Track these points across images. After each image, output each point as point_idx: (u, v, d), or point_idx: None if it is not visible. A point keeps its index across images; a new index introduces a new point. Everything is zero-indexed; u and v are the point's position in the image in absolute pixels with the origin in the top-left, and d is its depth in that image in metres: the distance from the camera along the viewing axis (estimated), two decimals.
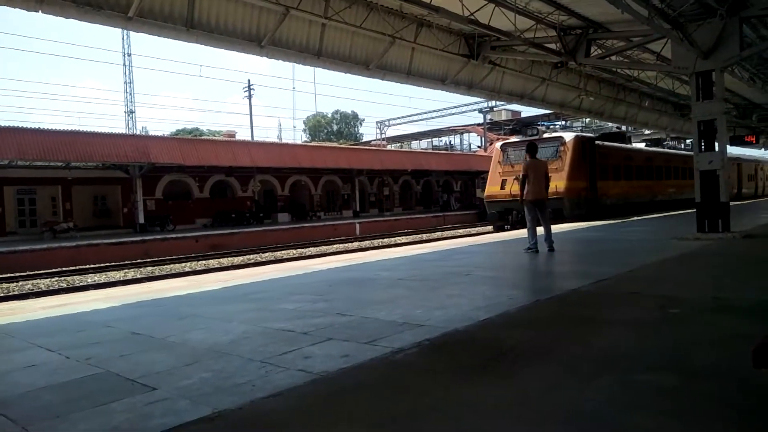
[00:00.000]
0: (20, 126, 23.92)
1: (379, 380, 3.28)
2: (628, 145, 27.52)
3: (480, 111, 44.51)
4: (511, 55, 17.47)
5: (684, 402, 2.76)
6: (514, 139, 24.61)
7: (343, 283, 7.53)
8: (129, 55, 51.74)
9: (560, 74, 20.82)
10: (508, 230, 20.24)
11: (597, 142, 23.08)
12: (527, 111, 40.02)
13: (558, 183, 18.84)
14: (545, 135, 22.87)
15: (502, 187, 21.79)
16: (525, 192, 10.16)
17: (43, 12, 9.86)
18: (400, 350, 3.85)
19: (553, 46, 15.58)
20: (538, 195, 10.10)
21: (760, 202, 34.70)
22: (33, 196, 28.16)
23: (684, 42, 12.08)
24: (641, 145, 39.07)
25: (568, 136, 21.68)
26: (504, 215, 21.62)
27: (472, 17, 13.27)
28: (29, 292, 13.83)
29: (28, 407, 3.12)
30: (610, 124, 40.25)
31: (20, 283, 15.97)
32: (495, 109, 42.69)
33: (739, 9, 12.11)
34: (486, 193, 23.16)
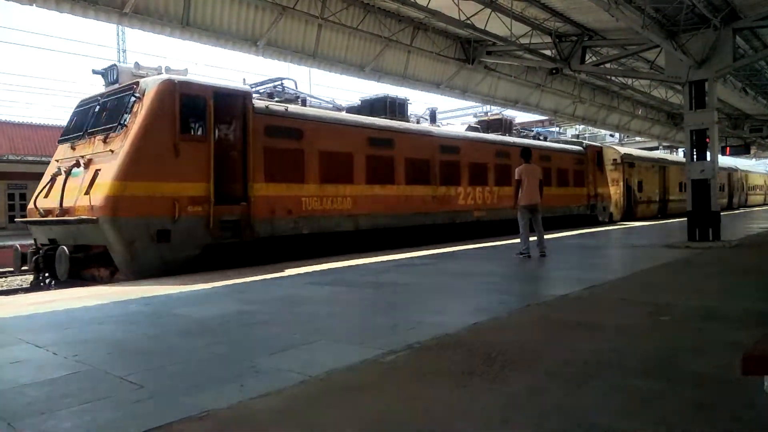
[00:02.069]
0: None
1: (369, 382, 3.28)
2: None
3: (474, 116, 44.60)
4: (506, 61, 17.55)
5: (672, 408, 2.78)
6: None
7: (329, 284, 7.52)
8: (124, 51, 51.45)
9: (555, 81, 20.96)
10: None
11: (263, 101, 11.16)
12: (521, 116, 40.13)
13: (101, 189, 8.64)
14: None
15: None
16: (518, 197, 10.20)
17: (37, 6, 9.81)
18: (391, 353, 3.84)
19: (548, 52, 15.69)
20: (532, 200, 10.14)
21: (740, 214, 31.67)
22: None
23: (678, 51, 12.19)
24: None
25: (155, 80, 9.47)
26: None
27: (468, 21, 13.33)
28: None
29: (13, 403, 3.09)
30: (604, 132, 40.50)
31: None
32: (489, 114, 42.80)
33: (732, 20, 12.24)
34: None
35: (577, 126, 41.96)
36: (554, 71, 16.21)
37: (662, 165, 30.09)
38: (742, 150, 33.19)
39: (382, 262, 10.02)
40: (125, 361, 3.87)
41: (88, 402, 3.04)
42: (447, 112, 41.24)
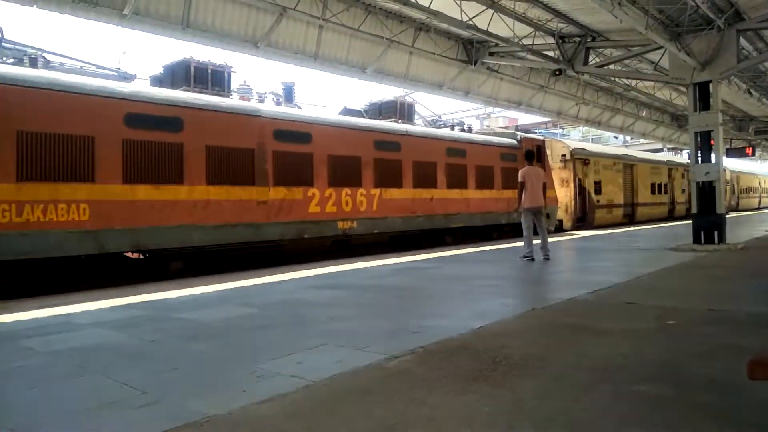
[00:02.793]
0: None
1: (373, 387, 3.24)
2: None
3: (477, 117, 44.57)
4: (509, 62, 17.50)
5: (679, 413, 2.73)
6: None
7: (331, 288, 7.48)
8: (123, 53, 51.71)
9: (558, 82, 20.91)
10: None
11: None
12: (524, 118, 40.06)
13: None
14: None
15: None
16: (522, 199, 10.16)
17: (38, 7, 9.81)
18: (394, 357, 3.80)
19: (551, 53, 15.64)
20: (536, 202, 10.10)
21: (742, 218, 28.61)
22: None
23: (681, 52, 12.13)
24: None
25: None
26: None
27: (470, 22, 13.30)
28: None
29: (16, 411, 3.05)
30: (608, 134, 40.43)
31: None
32: (492, 115, 42.73)
33: (736, 21, 12.19)
34: None
35: (581, 128, 41.90)
36: (557, 72, 16.17)
37: (628, 163, 25.69)
38: (738, 152, 31.81)
39: (383, 265, 9.97)
40: (127, 366, 3.83)
41: (90, 408, 3.00)
42: (449, 114, 41.24)
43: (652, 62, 16.62)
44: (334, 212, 12.19)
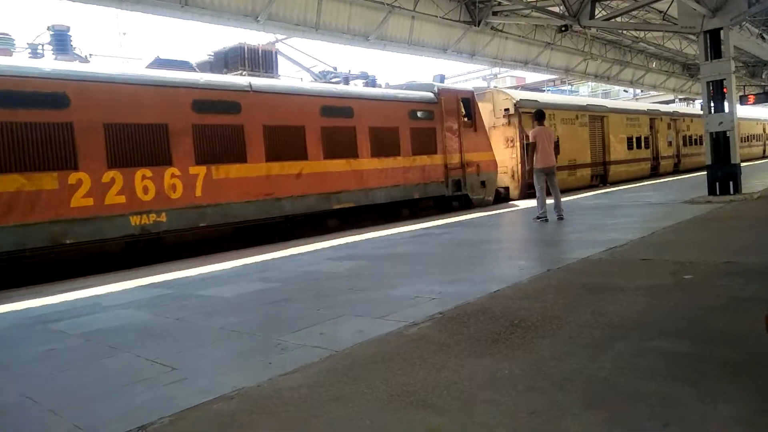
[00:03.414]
0: None
1: (394, 354, 3.32)
2: None
3: (483, 78, 43.94)
4: (513, 20, 17.16)
5: (697, 368, 2.78)
6: None
7: (347, 259, 7.56)
8: (124, 34, 51.37)
9: (564, 38, 20.50)
10: None
11: None
12: (532, 77, 39.40)
13: None
14: None
15: None
16: (534, 160, 10.12)
17: None
18: (413, 324, 3.88)
19: (556, 9, 15.29)
20: (547, 163, 10.06)
21: (759, 166, 27.22)
22: None
23: (691, 0, 11.80)
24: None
25: None
26: None
27: None
28: None
29: (53, 392, 3.18)
30: (617, 88, 39.68)
31: None
32: (499, 76, 42.09)
33: None
34: None
35: (590, 83, 41.18)
36: (563, 28, 15.80)
37: (596, 114, 21.13)
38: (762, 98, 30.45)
39: (397, 233, 10.04)
40: (155, 344, 3.95)
41: (123, 386, 3.12)
42: (455, 77, 40.66)
43: (660, 12, 16.23)
44: (121, 203, 8.71)
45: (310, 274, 6.49)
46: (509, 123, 17.09)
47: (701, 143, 27.31)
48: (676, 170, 26.76)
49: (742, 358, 2.87)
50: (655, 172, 25.04)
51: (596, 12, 15.05)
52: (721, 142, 12.01)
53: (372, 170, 12.49)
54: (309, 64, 14.67)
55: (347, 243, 9.08)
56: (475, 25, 16.74)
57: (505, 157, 17.06)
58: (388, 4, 14.57)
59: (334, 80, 13.95)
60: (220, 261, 8.02)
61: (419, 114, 13.76)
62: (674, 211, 10.05)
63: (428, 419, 2.43)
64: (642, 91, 37.36)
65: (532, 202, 11.90)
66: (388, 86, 14.87)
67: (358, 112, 12.30)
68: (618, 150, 22.39)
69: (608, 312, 3.85)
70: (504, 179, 17.10)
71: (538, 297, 4.45)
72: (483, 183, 15.32)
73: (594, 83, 38.01)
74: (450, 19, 16.32)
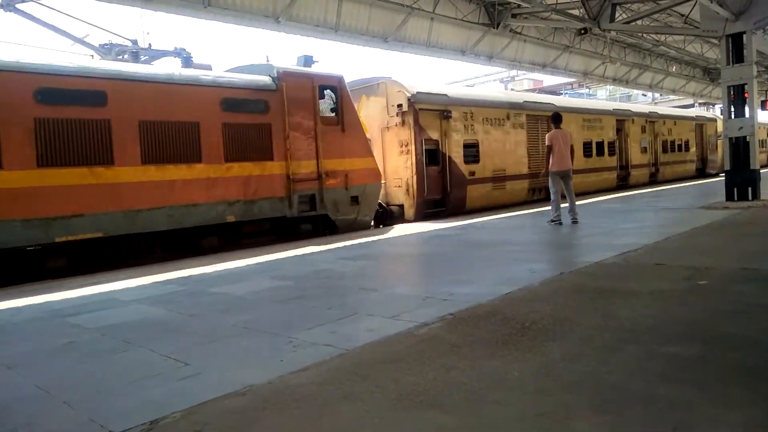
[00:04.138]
0: None
1: (404, 354, 3.34)
2: None
3: (501, 81, 43.81)
4: (532, 23, 17.11)
5: (708, 372, 2.76)
6: None
7: (360, 259, 7.59)
8: (147, 33, 52.02)
9: (583, 41, 20.38)
10: None
11: None
12: (549, 80, 39.14)
13: None
14: None
15: None
16: (550, 163, 10.08)
17: None
18: (424, 324, 3.90)
19: (576, 12, 15.20)
20: (563, 166, 10.01)
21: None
22: None
23: (713, 3, 11.66)
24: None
25: None
26: None
27: None
28: None
29: (68, 384, 3.25)
30: (636, 92, 39.28)
31: None
32: (516, 78, 41.90)
33: None
34: None
35: (608, 87, 40.82)
36: (583, 31, 15.71)
37: (538, 114, 16.87)
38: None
39: (410, 234, 10.05)
40: (169, 340, 4.01)
41: (137, 380, 3.18)
42: (473, 79, 40.55)
43: (682, 15, 16.06)
44: None
45: (322, 272, 6.53)
46: (403, 123, 13.08)
47: (687, 149, 25.21)
48: (654, 181, 22.69)
49: (754, 364, 2.84)
50: (624, 184, 21.01)
51: (616, 15, 14.94)
52: (740, 148, 11.84)
53: (143, 183, 8.69)
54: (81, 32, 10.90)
55: (360, 243, 9.12)
56: (493, 28, 16.71)
57: (399, 165, 13.23)
58: (407, 6, 14.61)
59: (122, 57, 10.51)
60: (235, 259, 8.09)
61: (241, 105, 9.91)
62: (690, 216, 9.93)
63: (437, 419, 2.45)
64: (661, 95, 36.96)
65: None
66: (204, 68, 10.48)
67: (116, 99, 8.42)
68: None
69: (620, 316, 3.83)
70: (398, 195, 13.35)
71: (550, 300, 4.43)
72: (355, 199, 11.31)
73: (612, 87, 37.67)
74: (469, 21, 16.31)
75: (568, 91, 37.49)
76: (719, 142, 27.49)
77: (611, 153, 20.13)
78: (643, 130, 22.13)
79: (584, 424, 2.30)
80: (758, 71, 20.26)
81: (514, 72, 35.43)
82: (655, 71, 26.45)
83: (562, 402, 2.52)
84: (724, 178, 12.35)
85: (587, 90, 42.82)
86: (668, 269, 5.39)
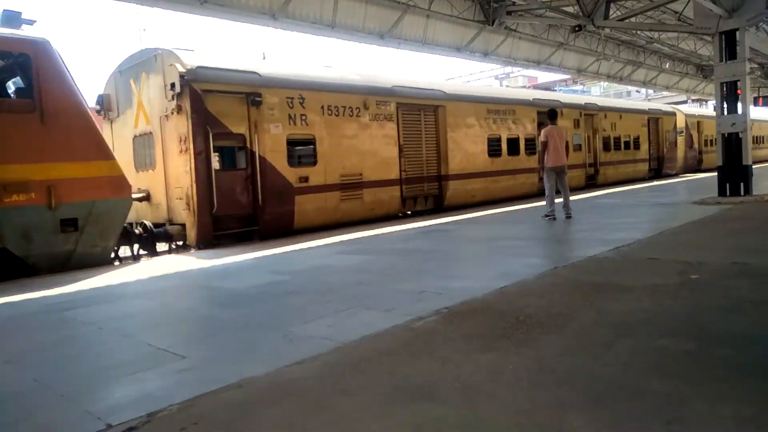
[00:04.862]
0: None
1: (400, 347, 3.36)
2: None
3: (496, 77, 43.86)
4: (527, 20, 17.11)
5: (701, 367, 2.79)
6: None
7: (357, 253, 7.61)
8: (144, 30, 51.80)
9: (578, 38, 20.42)
10: None
11: None
12: (544, 77, 39.22)
13: None
14: None
15: None
16: (545, 159, 10.14)
17: None
18: (420, 318, 3.92)
19: (570, 9, 15.23)
20: (559, 162, 10.07)
21: None
22: None
23: (707, 0, 11.71)
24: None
25: None
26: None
27: None
28: None
29: (68, 375, 3.26)
30: (630, 88, 39.41)
31: None
32: (511, 75, 41.98)
33: None
34: None
35: (602, 83, 40.94)
36: (577, 28, 15.74)
37: (420, 103, 13.67)
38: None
39: (406, 229, 10.08)
40: (166, 333, 4.02)
41: (134, 373, 3.19)
42: (468, 76, 40.59)
43: (676, 12, 16.12)
44: None
45: (320, 267, 6.55)
46: (179, 109, 9.57)
47: (637, 147, 22.11)
48: (592, 184, 19.60)
49: (746, 359, 2.88)
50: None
51: (611, 12, 14.98)
52: (733, 144, 11.92)
53: None
54: None
55: (357, 238, 9.13)
56: (489, 25, 16.71)
57: (180, 169, 9.74)
58: (403, 3, 14.60)
59: None
60: (233, 254, 8.09)
61: None
62: (683, 211, 10.00)
63: (432, 411, 2.47)
64: (654, 91, 37.10)
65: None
66: None
67: None
68: (465, 158, 14.65)
69: (614, 310, 3.86)
70: (180, 211, 9.84)
71: (545, 294, 4.47)
72: (70, 223, 7.80)
73: (606, 83, 37.77)
74: (464, 19, 16.31)
75: (562, 88, 37.59)
76: (680, 138, 25.61)
77: (529, 152, 16.62)
78: (577, 124, 18.68)
79: (578, 418, 2.32)
80: (751, 68, 20.38)
81: (509, 69, 35.48)
82: (648, 68, 26.53)
83: (557, 395, 2.55)
84: (685, 177, 12.41)
85: (581, 87, 42.93)
86: (661, 264, 5.43)
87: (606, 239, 7.11)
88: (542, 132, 10.37)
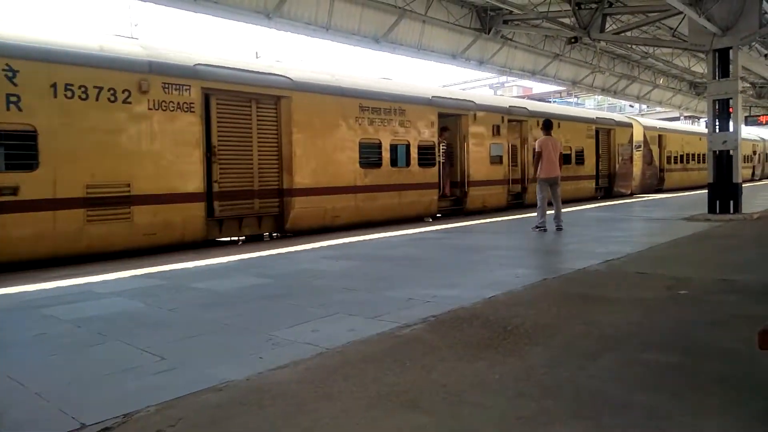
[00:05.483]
0: None
1: (385, 354, 3.31)
2: None
3: (490, 87, 44.06)
4: (523, 30, 17.19)
5: (686, 381, 2.78)
6: None
7: (344, 258, 7.56)
8: (135, 25, 51.51)
9: (573, 50, 20.51)
10: None
11: None
12: (539, 87, 39.44)
13: None
14: None
15: None
16: (538, 169, 10.15)
17: None
18: (406, 326, 3.88)
19: (567, 20, 15.31)
20: (552, 173, 10.08)
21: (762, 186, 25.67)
22: None
23: (702, 18, 11.81)
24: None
25: None
26: None
27: None
28: None
29: (43, 375, 3.18)
30: (623, 103, 39.70)
31: None
32: (506, 84, 42.21)
33: None
34: None
35: (596, 97, 41.24)
36: (573, 40, 15.80)
37: (246, 91, 10.10)
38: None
39: (395, 236, 10.04)
40: (146, 334, 3.95)
41: (111, 373, 3.12)
42: (462, 84, 40.74)
43: (671, 28, 16.25)
44: None
45: (305, 271, 6.49)
46: None
47: (581, 162, 18.75)
48: (519, 205, 16.16)
49: (732, 373, 2.86)
50: (457, 209, 14.61)
51: (607, 25, 15.07)
52: (723, 161, 12.01)
53: None
54: None
55: (345, 243, 9.08)
56: (485, 33, 16.76)
57: None
58: (399, 8, 14.60)
59: None
60: (218, 255, 8.01)
61: None
62: (673, 227, 10.04)
63: (416, 419, 2.43)
64: (648, 107, 37.40)
65: None
66: None
67: None
68: (322, 168, 11.19)
69: (601, 322, 3.84)
70: None
71: (533, 305, 4.44)
72: None
73: (600, 97, 38.03)
74: (461, 26, 16.35)
75: (556, 100, 37.79)
76: (638, 153, 22.50)
77: (424, 163, 13.29)
78: (496, 131, 15.43)
79: (563, 429, 2.29)
80: (743, 87, 20.57)
81: (504, 78, 35.65)
82: (642, 83, 26.74)
83: (542, 406, 2.52)
84: (640, 198, 12.44)
85: (576, 99, 43.20)
86: (650, 278, 5.43)
87: (596, 252, 7.11)
88: (536, 142, 10.38)
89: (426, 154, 13.38)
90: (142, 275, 6.49)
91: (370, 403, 2.61)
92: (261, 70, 10.57)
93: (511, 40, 18.48)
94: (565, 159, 16.22)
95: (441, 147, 13.94)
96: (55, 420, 2.53)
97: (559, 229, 9.88)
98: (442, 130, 14.11)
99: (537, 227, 9.90)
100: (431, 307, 4.40)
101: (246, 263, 7.27)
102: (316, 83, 11.30)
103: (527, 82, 34.47)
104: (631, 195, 21.32)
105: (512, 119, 16.12)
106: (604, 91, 26.35)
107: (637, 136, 22.73)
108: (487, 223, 12.02)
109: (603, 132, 20.57)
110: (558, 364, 3.06)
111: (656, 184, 24.62)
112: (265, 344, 3.58)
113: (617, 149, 20.99)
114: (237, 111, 10.01)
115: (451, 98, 14.65)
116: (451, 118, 14.52)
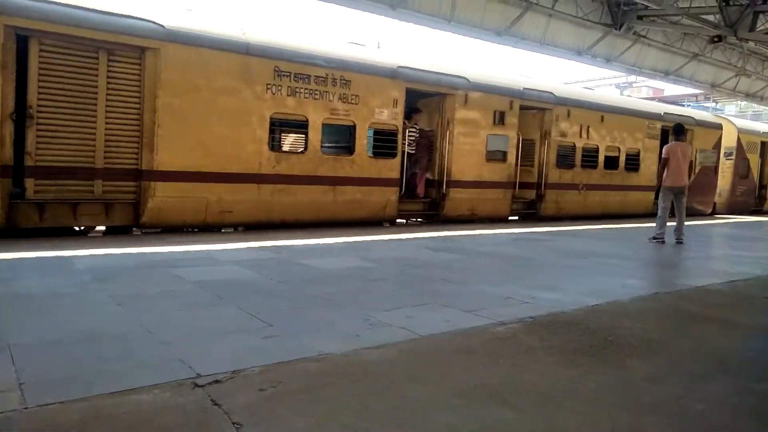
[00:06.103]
0: None
1: (477, 348, 3.33)
2: None
3: (617, 86, 41.56)
4: (659, 26, 16.03)
5: None
6: None
7: (446, 251, 7.58)
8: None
9: (715, 50, 18.80)
10: None
11: None
12: (671, 89, 36.53)
13: None
14: None
15: None
16: (663, 176, 9.49)
17: None
18: (502, 323, 3.85)
19: (711, 17, 14.08)
20: (678, 182, 9.39)
21: None
22: None
23: None
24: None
25: None
26: None
27: None
28: None
29: (170, 326, 3.56)
30: None
31: None
32: (634, 85, 39.55)
33: None
34: None
35: (739, 102, 37.50)
36: (716, 39, 14.50)
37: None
38: None
39: (500, 234, 9.89)
40: (257, 301, 4.26)
41: (225, 332, 3.42)
42: (586, 82, 38.80)
43: None
44: None
45: (407, 259, 6.61)
46: None
47: (633, 166, 14.81)
48: (531, 215, 13.16)
49: None
50: (432, 213, 11.55)
51: (758, 24, 13.67)
52: None
53: None
54: None
55: (450, 236, 9.10)
56: (615, 29, 15.86)
57: None
58: (526, 1, 14.23)
59: None
60: (327, 236, 8.38)
61: None
62: None
63: (501, 414, 2.44)
64: None
65: None
66: None
67: None
68: (206, 147, 8.45)
69: (715, 345, 3.57)
70: None
71: (639, 318, 4.22)
72: None
73: (744, 103, 34.52)
74: (589, 20, 15.61)
75: (690, 103, 34.83)
76: (727, 162, 17.95)
77: (380, 152, 10.47)
78: (499, 119, 11.84)
79: None
80: None
81: (632, 78, 33.48)
82: None
83: (640, 420, 2.42)
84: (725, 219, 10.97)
85: (714, 104, 39.57)
86: None
87: (719, 270, 6.56)
88: (664, 148, 9.67)
89: (382, 141, 10.39)
90: (257, 248, 6.96)
91: (457, 392, 2.65)
92: (115, 11, 7.69)
93: (644, 36, 17.33)
94: (606, 163, 14.19)
95: (409, 133, 10.74)
96: (174, 367, 2.83)
97: (678, 242, 9.20)
98: (413, 111, 11.07)
99: (655, 238, 9.30)
100: (529, 307, 4.32)
101: (351, 246, 7.50)
102: (202, 34, 8.32)
103: (659, 83, 32.10)
104: (712, 215, 17.27)
105: (527, 106, 12.38)
106: (749, 96, 23.94)
107: (729, 141, 17.83)
108: (596, 230, 11.45)
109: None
110: (661, 381, 2.91)
111: (754, 204, 19.44)
112: (361, 324, 3.73)
113: (695, 155, 15.80)
114: (74, 63, 7.50)
115: (428, 71, 10.84)
116: (432, 98, 11.29)
